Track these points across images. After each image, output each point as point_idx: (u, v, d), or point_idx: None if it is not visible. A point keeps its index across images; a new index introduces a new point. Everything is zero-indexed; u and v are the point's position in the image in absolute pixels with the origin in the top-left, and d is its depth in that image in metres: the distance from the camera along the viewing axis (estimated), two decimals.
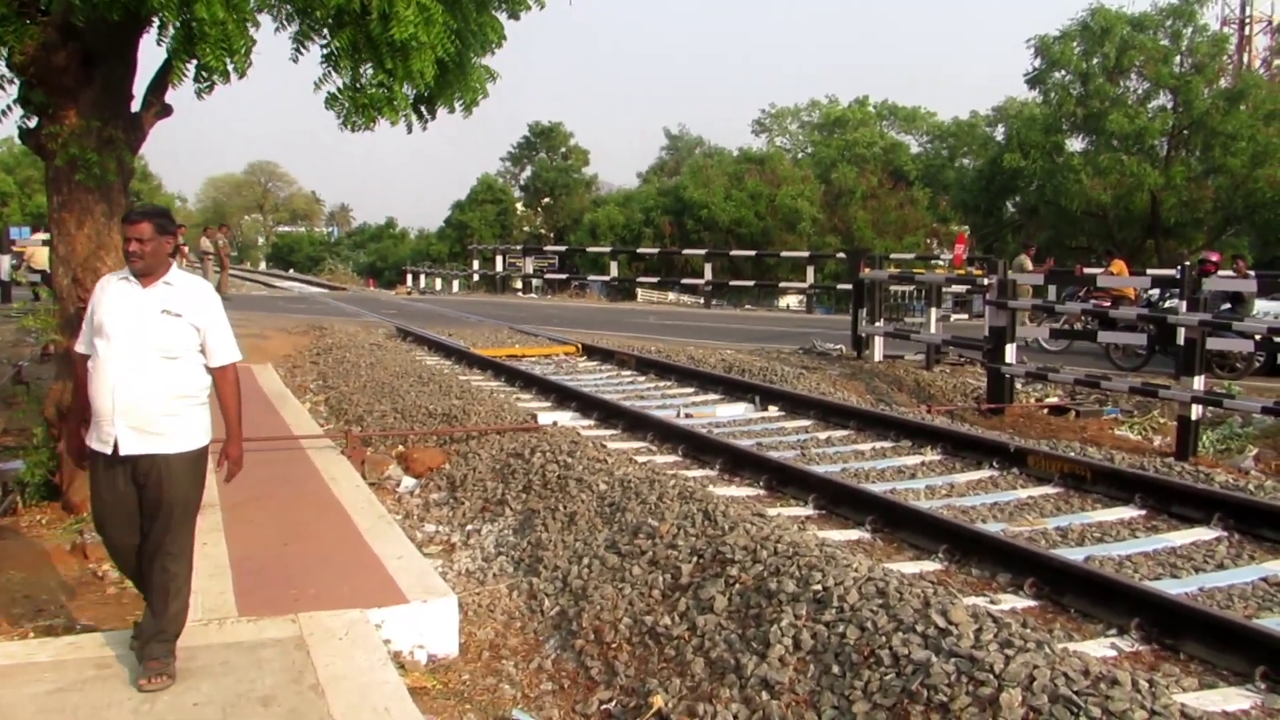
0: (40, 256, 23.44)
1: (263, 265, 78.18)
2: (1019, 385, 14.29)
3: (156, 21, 6.83)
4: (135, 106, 7.71)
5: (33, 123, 7.47)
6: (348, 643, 5.23)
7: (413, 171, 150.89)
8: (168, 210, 5.00)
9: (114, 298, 4.75)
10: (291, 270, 66.12)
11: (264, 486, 8.41)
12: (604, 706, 5.26)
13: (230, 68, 6.65)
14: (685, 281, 37.57)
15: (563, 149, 60.61)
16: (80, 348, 4.88)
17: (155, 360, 4.66)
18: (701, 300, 34.80)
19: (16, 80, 7.32)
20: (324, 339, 18.78)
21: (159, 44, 6.88)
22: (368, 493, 8.30)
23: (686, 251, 39.06)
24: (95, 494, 4.86)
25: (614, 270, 38.02)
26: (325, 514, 7.65)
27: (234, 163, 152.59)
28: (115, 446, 4.64)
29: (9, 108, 7.45)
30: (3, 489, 8.01)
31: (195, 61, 6.73)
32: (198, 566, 6.28)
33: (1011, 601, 5.96)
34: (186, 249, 28.31)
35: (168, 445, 4.69)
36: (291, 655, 5.09)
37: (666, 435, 10.13)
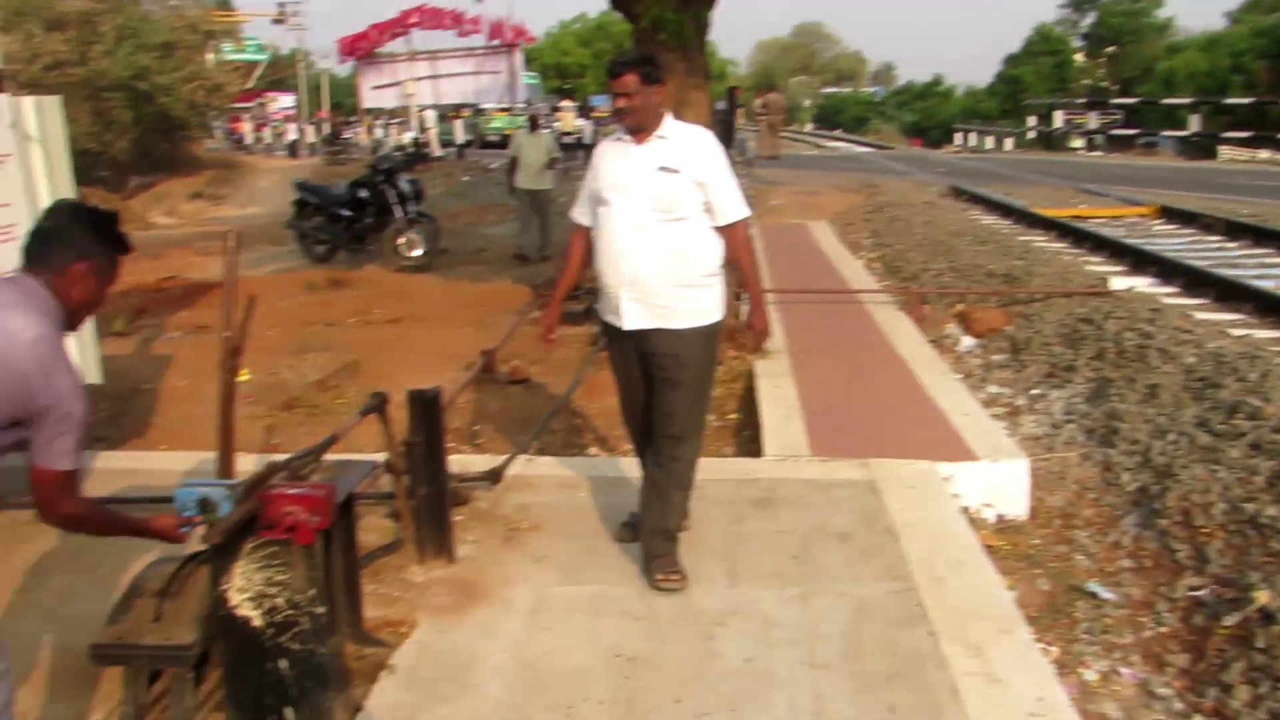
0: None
1: (809, 126, 79.69)
2: None
3: None
4: None
5: None
6: (918, 492, 5.28)
7: (960, 24, 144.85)
8: (652, 56, 4.41)
9: (610, 159, 4.32)
10: (838, 130, 66.82)
11: (828, 336, 8.68)
12: (1193, 593, 4.87)
13: None
14: None
15: None
16: (578, 216, 4.52)
17: (657, 223, 4.14)
18: None
19: None
20: (875, 197, 18.83)
21: None
22: (929, 349, 8.26)
23: None
24: (611, 362, 4.58)
25: (1194, 125, 34.12)
26: (888, 367, 7.73)
27: (781, 26, 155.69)
28: (622, 319, 4.28)
29: None
30: None
31: None
32: (769, 409, 6.70)
33: None
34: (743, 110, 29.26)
35: (677, 320, 4.19)
36: (864, 497, 5.23)
37: (1270, 308, 8.98)
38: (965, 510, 5.44)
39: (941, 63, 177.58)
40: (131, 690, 3.47)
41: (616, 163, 4.27)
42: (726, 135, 14.93)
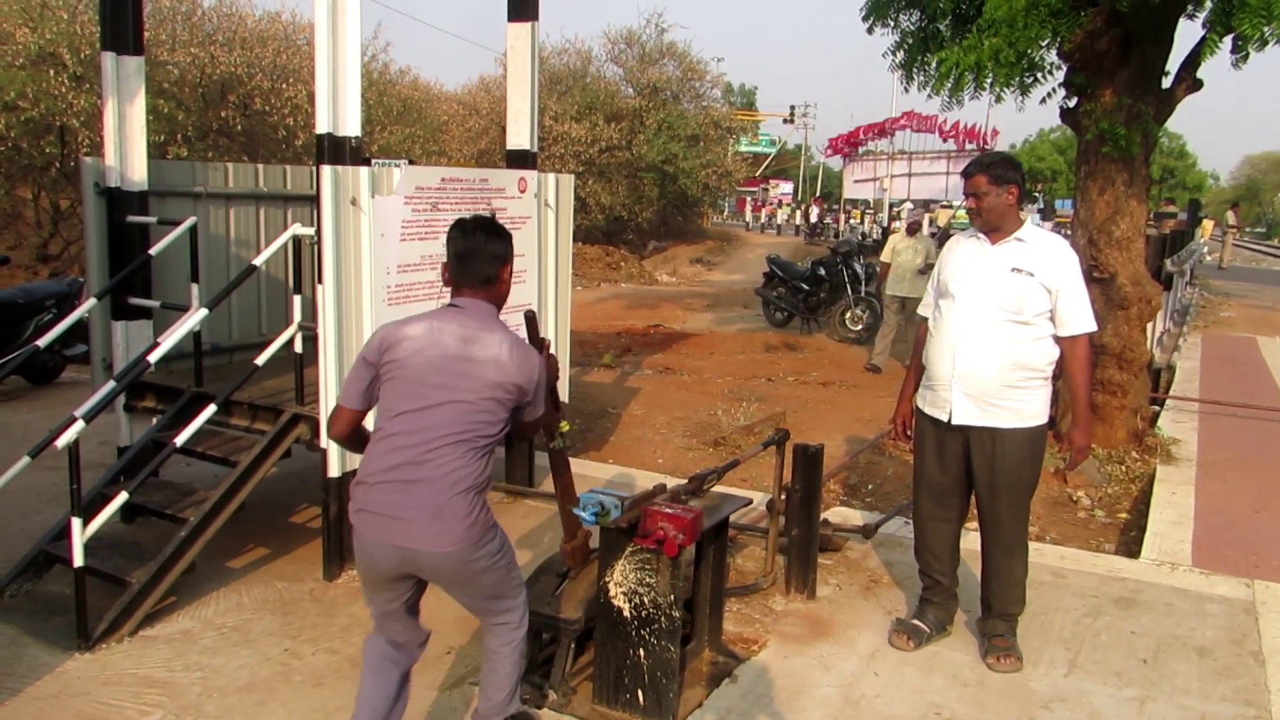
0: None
1: None
2: None
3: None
4: (1165, 84, 7.34)
5: (1072, 103, 7.57)
6: None
7: None
8: (1008, 157, 4.03)
9: (961, 256, 3.99)
10: None
11: (1245, 453, 7.60)
12: None
13: (1267, 34, 5.97)
14: None
15: None
16: (921, 310, 4.25)
17: (1000, 323, 3.81)
18: None
19: (1064, 66, 7.47)
20: None
21: (1192, 19, 6.43)
22: None
23: None
24: (920, 457, 4.17)
25: None
26: None
27: (1275, 141, 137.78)
28: (950, 414, 3.95)
29: (1053, 91, 7.66)
30: None
31: (1231, 34, 6.20)
32: (1159, 514, 5.99)
33: None
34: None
35: (1005, 419, 3.84)
36: (1237, 616, 4.54)
37: None
38: None
39: None
40: (527, 646, 3.83)
41: (969, 260, 3.96)
42: (1177, 245, 13.52)
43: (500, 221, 3.01)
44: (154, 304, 5.36)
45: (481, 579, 2.87)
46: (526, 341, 2.97)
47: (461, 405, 2.76)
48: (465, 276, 2.89)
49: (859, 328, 13.20)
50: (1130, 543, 5.89)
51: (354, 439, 2.96)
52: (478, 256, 2.87)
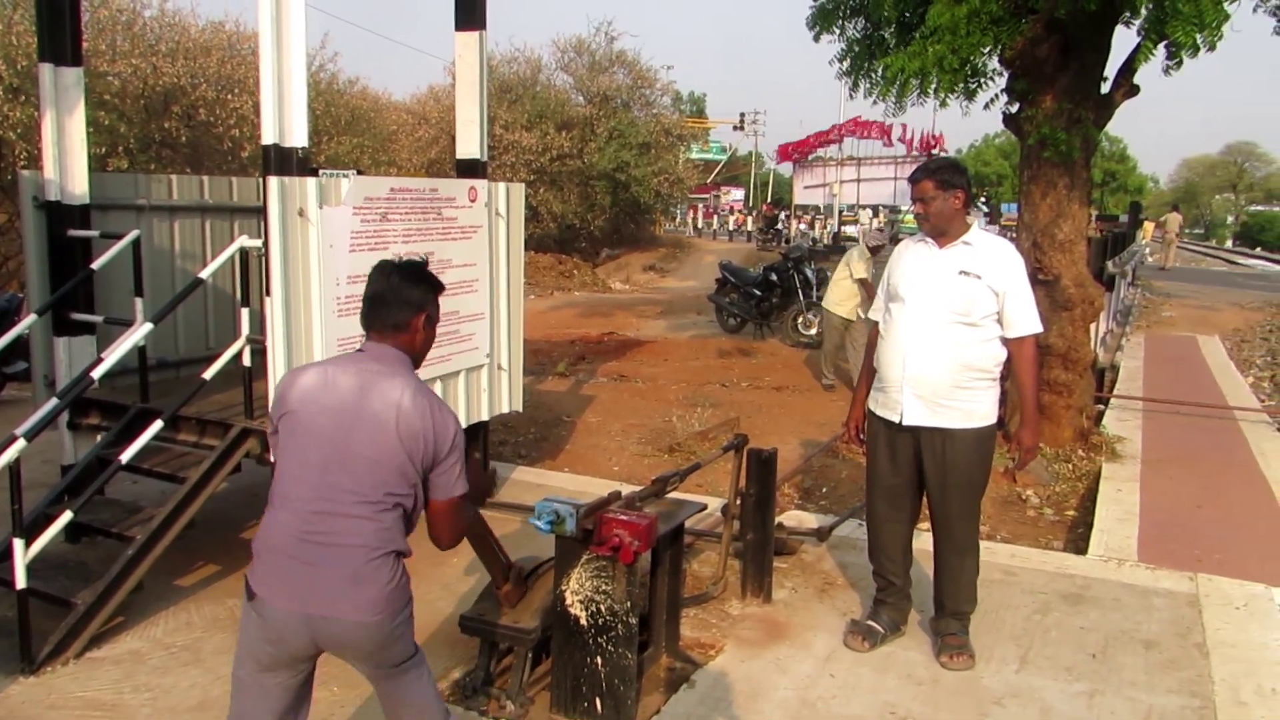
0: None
1: (1228, 243, 71.32)
2: None
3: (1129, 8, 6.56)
4: (1104, 89, 7.50)
5: (1014, 108, 7.71)
6: (1244, 613, 4.60)
7: None
8: (954, 163, 4.09)
9: (910, 260, 4.05)
10: (1258, 249, 59.30)
11: (1188, 449, 7.79)
12: None
13: (1199, 41, 6.13)
14: None
15: None
16: (872, 314, 4.30)
17: (949, 325, 3.87)
18: None
19: (1006, 72, 7.60)
20: (1279, 316, 16.55)
21: (1128, 26, 6.59)
22: None
23: None
24: (873, 459, 4.20)
25: None
26: (1245, 486, 6.80)
27: (1211, 144, 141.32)
28: (901, 415, 3.99)
29: (996, 96, 7.80)
30: None
31: (1164, 41, 6.37)
32: (1106, 511, 6.11)
33: None
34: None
35: (954, 420, 3.90)
36: (1181, 610, 4.64)
37: None
38: None
39: None
40: (484, 658, 3.82)
41: (917, 263, 4.01)
42: (1120, 246, 13.81)
43: (430, 270, 2.73)
44: (97, 319, 5.26)
45: (395, 647, 2.58)
46: (438, 396, 2.63)
47: (362, 460, 2.47)
48: (373, 320, 2.63)
49: (811, 332, 13.30)
50: (1078, 540, 6.00)
51: None
52: (388, 301, 2.62)
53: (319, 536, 2.46)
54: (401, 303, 2.62)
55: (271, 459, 2.62)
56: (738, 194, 62.96)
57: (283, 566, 2.49)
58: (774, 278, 14.22)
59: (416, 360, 2.67)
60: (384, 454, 2.47)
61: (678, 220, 47.79)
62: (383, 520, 2.49)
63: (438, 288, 2.72)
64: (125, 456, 4.44)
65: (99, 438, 5.04)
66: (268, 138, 4.36)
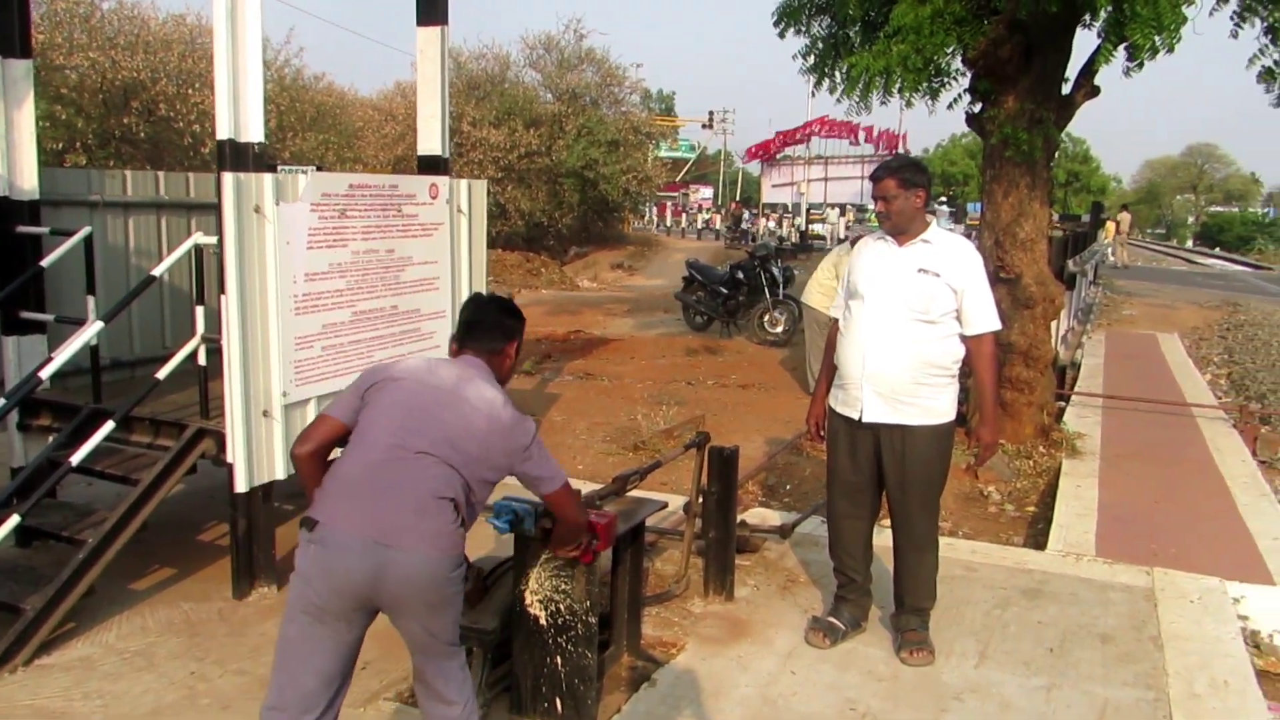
0: None
1: (1189, 243, 72.40)
2: None
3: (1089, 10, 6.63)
4: (1065, 90, 7.58)
5: (977, 108, 7.76)
6: (1198, 607, 4.65)
7: None
8: (915, 162, 4.14)
9: (869, 257, 4.05)
10: (1217, 249, 60.27)
11: (1146, 445, 7.88)
12: None
13: (1158, 43, 6.20)
14: None
15: None
16: (833, 311, 4.28)
17: (908, 323, 3.87)
18: None
19: (969, 72, 7.66)
20: (1236, 315, 16.85)
21: (1089, 28, 6.66)
22: (1253, 468, 7.28)
23: None
24: (833, 456, 4.20)
25: None
26: (1202, 481, 6.89)
27: (1173, 146, 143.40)
28: (861, 412, 3.99)
29: (960, 96, 7.86)
30: None
31: (1124, 43, 6.44)
32: (1065, 506, 6.17)
33: None
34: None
35: (914, 417, 3.91)
36: (1137, 603, 4.69)
37: None
38: (1254, 635, 4.75)
39: None
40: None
41: (877, 261, 4.02)
42: (1081, 245, 13.95)
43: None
44: (48, 318, 5.16)
45: (448, 611, 2.69)
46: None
47: (444, 428, 2.68)
48: (469, 341, 2.92)
49: (778, 330, 13.34)
50: (1038, 535, 6.05)
51: (318, 459, 2.76)
52: (487, 326, 2.93)
53: (390, 470, 2.62)
54: (499, 330, 2.95)
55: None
56: (706, 192, 63.04)
57: (351, 493, 2.62)
58: (741, 276, 14.24)
59: (501, 382, 2.92)
60: (463, 436, 2.68)
61: (646, 218, 47.81)
62: (450, 480, 2.66)
63: (524, 321, 3.05)
64: (76, 458, 4.36)
65: (51, 439, 4.95)
66: (223, 132, 4.30)
